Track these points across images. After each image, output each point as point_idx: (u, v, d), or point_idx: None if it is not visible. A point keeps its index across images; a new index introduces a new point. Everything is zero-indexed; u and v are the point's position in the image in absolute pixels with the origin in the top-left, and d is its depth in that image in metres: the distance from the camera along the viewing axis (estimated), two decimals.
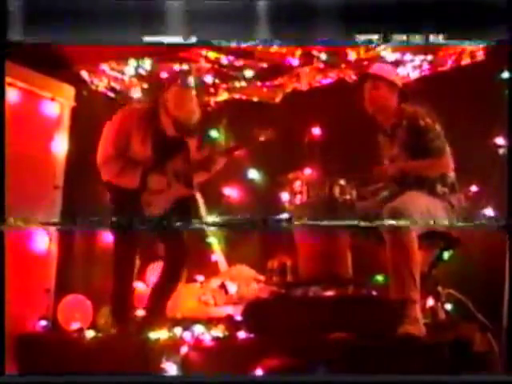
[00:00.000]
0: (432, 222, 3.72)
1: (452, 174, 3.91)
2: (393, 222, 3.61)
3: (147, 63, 4.69)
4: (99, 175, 4.17)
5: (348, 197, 4.01)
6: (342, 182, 4.00)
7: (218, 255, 4.80)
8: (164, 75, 4.75)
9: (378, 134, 4.12)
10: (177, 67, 4.68)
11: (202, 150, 4.40)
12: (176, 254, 4.22)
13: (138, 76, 4.80)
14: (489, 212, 4.36)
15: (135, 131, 4.15)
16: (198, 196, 4.49)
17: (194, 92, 4.27)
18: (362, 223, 3.76)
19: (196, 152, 4.35)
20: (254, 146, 4.48)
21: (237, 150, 4.42)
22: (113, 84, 4.88)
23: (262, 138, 4.29)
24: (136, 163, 4.12)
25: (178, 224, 4.14)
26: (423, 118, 3.82)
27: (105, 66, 4.71)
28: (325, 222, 3.81)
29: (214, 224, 4.64)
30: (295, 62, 4.69)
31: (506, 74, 4.12)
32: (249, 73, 4.78)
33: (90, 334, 4.02)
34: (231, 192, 5.18)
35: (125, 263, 4.17)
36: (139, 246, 4.22)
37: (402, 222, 3.61)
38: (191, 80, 4.39)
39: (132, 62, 4.68)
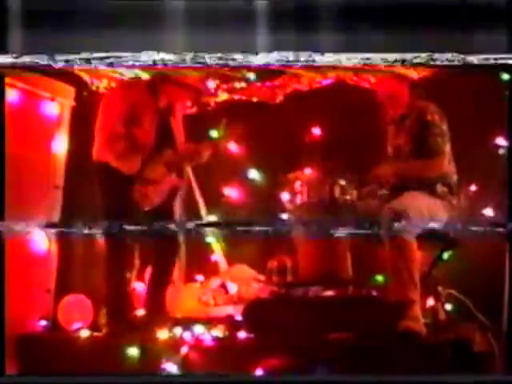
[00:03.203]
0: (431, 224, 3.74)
1: (453, 174, 3.92)
2: (395, 226, 3.63)
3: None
4: (93, 156, 4.09)
5: (348, 197, 4.02)
6: (343, 182, 4.01)
7: (218, 255, 4.79)
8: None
9: (384, 123, 4.13)
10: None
11: (187, 143, 4.38)
12: (167, 252, 4.21)
13: (138, 77, 4.79)
14: (488, 212, 4.37)
15: (141, 105, 4.10)
16: (198, 196, 4.49)
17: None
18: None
19: (182, 141, 4.33)
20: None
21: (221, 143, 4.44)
22: (113, 84, 4.87)
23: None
24: (138, 147, 4.06)
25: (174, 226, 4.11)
26: (432, 114, 3.85)
27: (105, 67, 4.70)
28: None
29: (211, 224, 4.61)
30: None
31: (506, 75, 4.12)
32: (249, 73, 4.78)
33: (90, 333, 4.02)
34: (231, 192, 5.18)
35: (118, 264, 4.14)
36: (138, 247, 4.21)
37: (402, 225, 3.63)
38: None
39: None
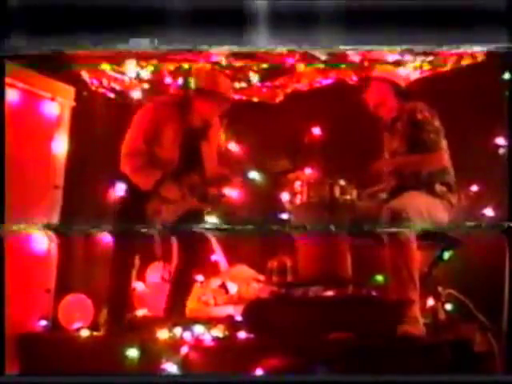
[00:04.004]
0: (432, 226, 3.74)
1: (451, 173, 3.92)
2: (393, 228, 3.63)
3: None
4: (118, 164, 4.12)
5: (348, 197, 4.02)
6: (343, 182, 4.01)
7: (218, 255, 4.79)
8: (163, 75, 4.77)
9: (379, 129, 4.15)
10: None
11: (219, 163, 4.36)
12: (187, 254, 4.22)
13: (139, 77, 4.80)
14: (489, 212, 4.37)
15: (168, 123, 4.10)
16: None
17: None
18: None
19: (213, 166, 4.30)
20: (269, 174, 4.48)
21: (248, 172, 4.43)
22: (113, 84, 4.88)
23: (277, 169, 4.31)
24: (158, 165, 4.07)
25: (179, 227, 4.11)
26: (421, 112, 3.87)
27: (105, 67, 4.71)
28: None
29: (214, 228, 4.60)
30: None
31: (506, 75, 4.12)
32: (249, 73, 4.78)
33: (90, 333, 4.02)
34: (231, 192, 5.18)
35: (122, 263, 4.15)
36: (139, 246, 4.21)
37: (402, 227, 3.63)
38: None
39: (132, 64, 4.68)
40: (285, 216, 4.40)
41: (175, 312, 4.13)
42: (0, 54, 3.36)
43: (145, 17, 3.44)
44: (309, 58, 4.60)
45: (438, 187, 3.85)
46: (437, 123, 3.88)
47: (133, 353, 3.59)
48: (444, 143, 3.90)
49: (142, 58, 4.55)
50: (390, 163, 4.00)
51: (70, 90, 4.61)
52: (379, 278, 4.28)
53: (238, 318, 3.96)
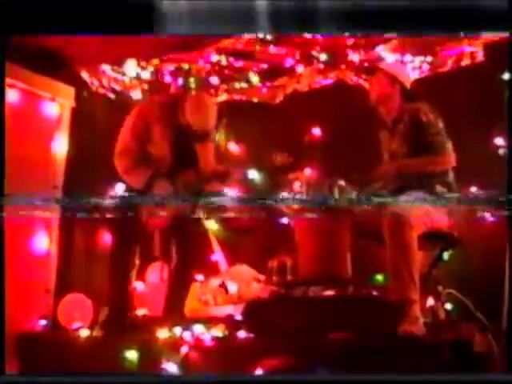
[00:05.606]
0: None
1: (451, 174, 3.92)
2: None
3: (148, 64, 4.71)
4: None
5: (348, 197, 4.01)
6: (342, 182, 4.01)
7: (217, 255, 4.79)
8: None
9: (379, 128, 4.13)
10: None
11: (217, 162, 4.32)
12: (187, 252, 4.22)
13: (139, 77, 4.81)
14: (488, 212, 4.37)
15: (156, 120, 4.07)
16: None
17: (212, 99, 4.23)
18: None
19: (210, 165, 4.25)
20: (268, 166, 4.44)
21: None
22: (113, 85, 4.88)
23: (278, 161, 4.29)
24: (150, 162, 4.06)
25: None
26: (425, 114, 3.84)
27: (105, 67, 4.72)
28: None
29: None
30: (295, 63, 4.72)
31: (505, 75, 4.13)
32: (249, 73, 4.79)
33: (90, 333, 4.02)
34: (231, 192, 5.18)
35: (122, 263, 4.14)
36: (138, 246, 4.21)
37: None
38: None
39: (132, 63, 4.69)
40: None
41: (174, 312, 4.13)
42: (0, 53, 3.36)
43: (145, 16, 3.44)
44: (308, 58, 4.62)
45: (439, 188, 3.84)
46: (440, 124, 3.86)
47: (133, 353, 3.59)
48: (450, 144, 3.88)
49: (142, 57, 4.57)
50: (395, 166, 3.96)
51: (70, 90, 4.61)
52: (379, 277, 4.28)
53: (238, 317, 3.97)
